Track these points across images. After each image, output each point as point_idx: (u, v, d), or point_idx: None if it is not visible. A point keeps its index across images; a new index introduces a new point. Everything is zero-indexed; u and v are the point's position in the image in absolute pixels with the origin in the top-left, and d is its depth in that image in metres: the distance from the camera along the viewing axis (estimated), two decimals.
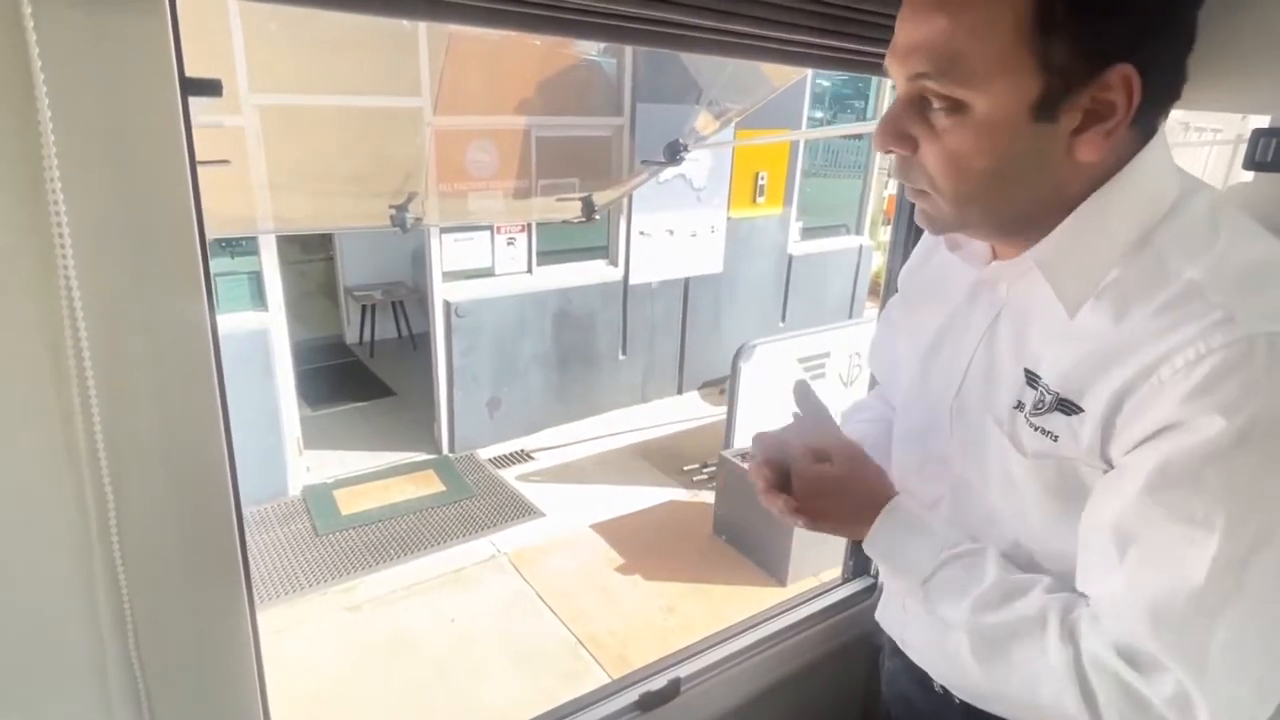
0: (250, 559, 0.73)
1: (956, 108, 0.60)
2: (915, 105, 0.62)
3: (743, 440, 4.38)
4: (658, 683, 1.08)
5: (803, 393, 0.85)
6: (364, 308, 6.38)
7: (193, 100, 0.58)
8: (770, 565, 3.85)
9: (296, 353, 4.56)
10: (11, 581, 0.60)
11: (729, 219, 5.68)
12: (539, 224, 5.04)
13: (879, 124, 0.65)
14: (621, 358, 5.61)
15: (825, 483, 0.77)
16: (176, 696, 0.68)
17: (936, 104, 0.61)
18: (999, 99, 0.58)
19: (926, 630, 0.77)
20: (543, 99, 4.83)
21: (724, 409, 5.01)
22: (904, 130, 0.64)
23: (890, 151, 0.66)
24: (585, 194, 4.34)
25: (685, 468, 4.90)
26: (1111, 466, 0.62)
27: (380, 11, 0.63)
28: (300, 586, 3.66)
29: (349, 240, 6.43)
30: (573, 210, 4.28)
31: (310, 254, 6.86)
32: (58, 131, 0.50)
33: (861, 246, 6.69)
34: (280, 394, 4.26)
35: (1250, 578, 0.55)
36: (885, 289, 1.34)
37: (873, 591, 1.35)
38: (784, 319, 6.35)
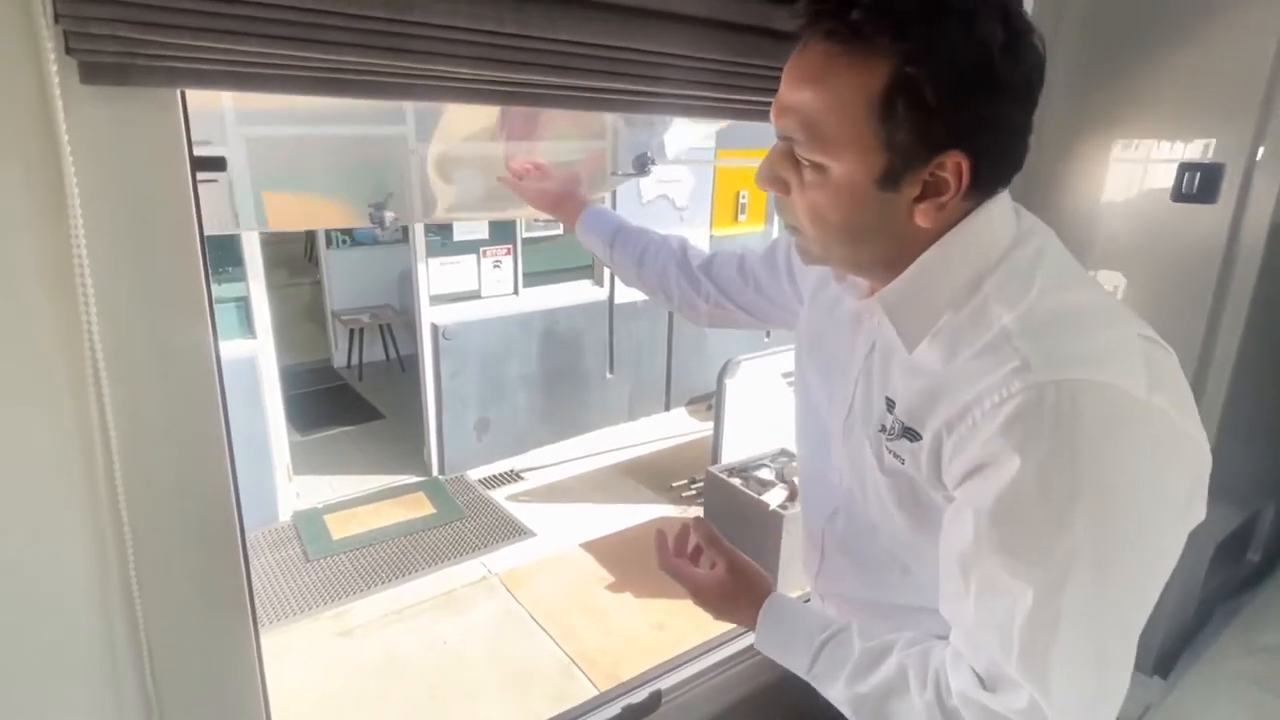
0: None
1: (817, 168, 0.66)
2: (789, 156, 0.69)
3: (730, 455, 4.44)
4: (639, 695, 1.12)
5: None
6: (351, 331, 6.41)
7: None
8: None
9: (285, 378, 4.58)
10: (34, 609, 0.65)
11: (712, 237, 5.77)
12: (525, 246, 5.11)
13: (760, 165, 0.72)
14: (609, 376, 5.66)
15: (706, 585, 0.92)
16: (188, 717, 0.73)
17: (805, 157, 0.67)
18: (849, 168, 0.65)
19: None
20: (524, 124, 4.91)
21: (711, 425, 5.07)
22: (779, 175, 0.70)
23: (767, 189, 0.73)
24: None
25: (674, 484, 4.94)
26: (947, 492, 0.68)
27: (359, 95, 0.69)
28: (292, 612, 3.67)
29: (336, 264, 6.47)
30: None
31: (297, 278, 6.90)
32: (85, 209, 0.56)
33: None
34: (269, 420, 4.28)
35: (1067, 600, 0.60)
36: None
37: None
38: (768, 334, 6.43)
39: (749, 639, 1.30)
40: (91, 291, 0.58)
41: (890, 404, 0.74)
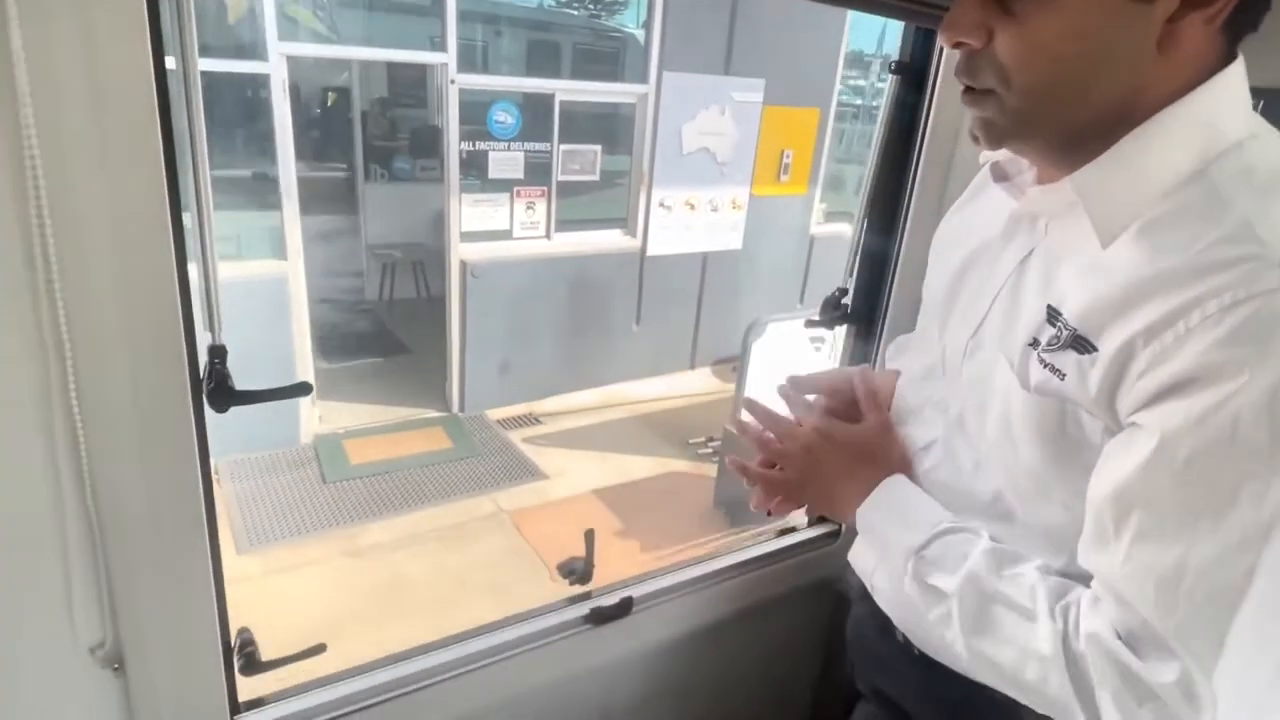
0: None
1: None
2: None
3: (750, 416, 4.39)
4: (610, 599, 1.10)
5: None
6: (384, 266, 6.46)
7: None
8: None
9: (316, 307, 4.64)
10: None
11: (752, 196, 5.64)
12: (560, 189, 5.05)
13: (947, 16, 0.61)
14: (635, 329, 5.62)
15: (844, 434, 0.80)
16: (132, 552, 0.72)
17: None
18: None
19: (895, 586, 0.76)
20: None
21: (734, 388, 5.02)
22: (978, 20, 0.59)
23: (959, 45, 0.61)
24: None
25: (690, 440, 4.92)
26: (1116, 421, 0.58)
27: None
28: (305, 530, 3.75)
29: (372, 198, 6.50)
30: None
31: (334, 212, 6.94)
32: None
33: None
34: (295, 341, 4.34)
35: (1269, 558, 0.50)
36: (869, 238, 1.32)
37: (836, 537, 1.36)
38: (802, 300, 6.31)
39: (726, 560, 1.27)
40: (35, 134, 0.55)
41: (1054, 312, 0.63)
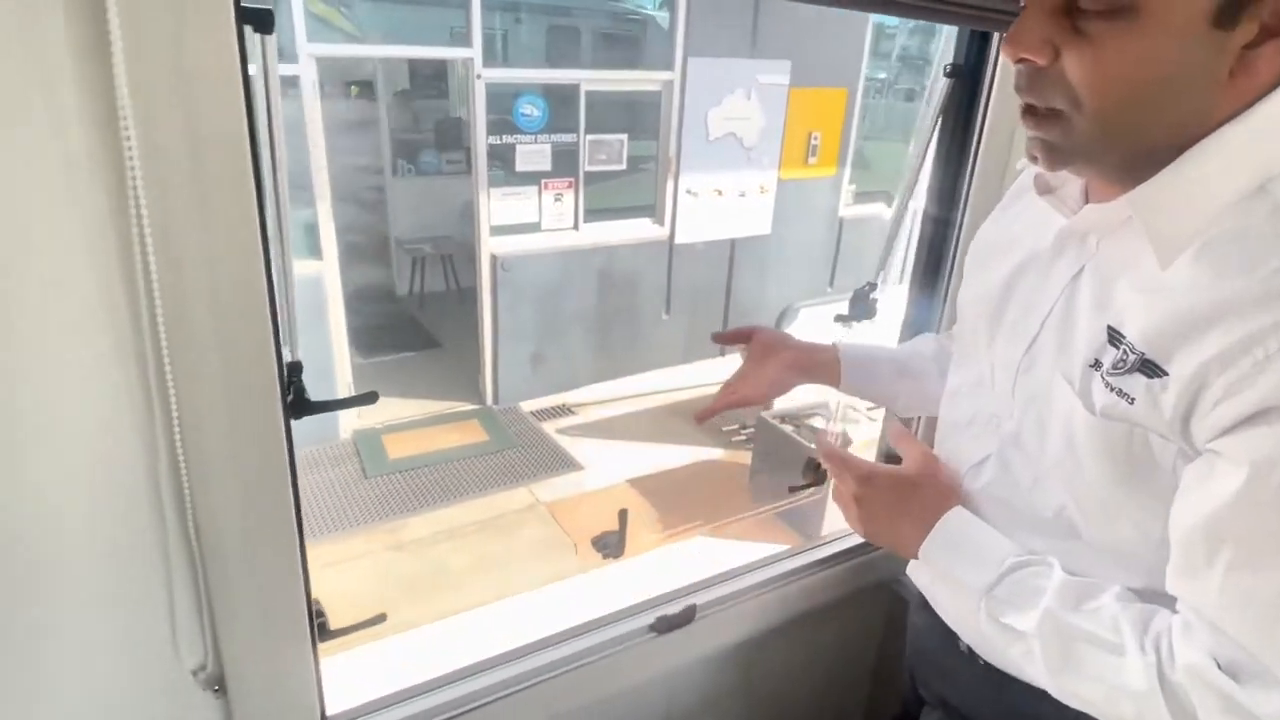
0: (301, 496, 0.79)
1: (1121, 8, 0.54)
2: (1061, 8, 0.57)
3: (782, 403, 4.39)
4: (674, 608, 1.12)
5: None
6: (414, 260, 6.51)
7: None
8: (803, 526, 3.88)
9: (348, 303, 4.71)
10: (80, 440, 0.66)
11: (779, 180, 5.59)
12: (587, 180, 5.05)
13: (1012, 30, 0.59)
14: (665, 317, 5.63)
15: (887, 478, 0.79)
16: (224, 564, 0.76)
17: (1093, 5, 0.55)
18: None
19: (968, 620, 0.75)
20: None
21: None
22: (1045, 36, 0.57)
23: (1023, 61, 0.60)
24: None
25: (724, 428, 4.92)
26: (1191, 445, 0.57)
27: None
28: (348, 525, 3.84)
29: (399, 192, 6.54)
30: None
31: (363, 207, 7.01)
32: (128, 55, 0.55)
33: (915, 210, 6.52)
34: (333, 339, 4.41)
35: None
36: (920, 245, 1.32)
37: None
38: (832, 283, 6.27)
39: (786, 565, 1.29)
40: (136, 147, 0.57)
41: (1115, 334, 0.62)
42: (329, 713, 0.92)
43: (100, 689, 0.76)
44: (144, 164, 0.58)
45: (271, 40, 0.66)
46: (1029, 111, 0.62)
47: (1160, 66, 0.55)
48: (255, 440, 0.73)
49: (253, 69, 0.65)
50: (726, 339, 1.03)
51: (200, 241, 0.63)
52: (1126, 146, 0.60)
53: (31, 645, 0.70)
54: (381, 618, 1.00)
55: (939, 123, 1.17)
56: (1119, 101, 0.57)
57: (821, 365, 1.01)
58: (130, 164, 0.58)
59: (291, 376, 0.81)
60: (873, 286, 1.31)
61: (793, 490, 3.81)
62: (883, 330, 1.35)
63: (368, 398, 0.98)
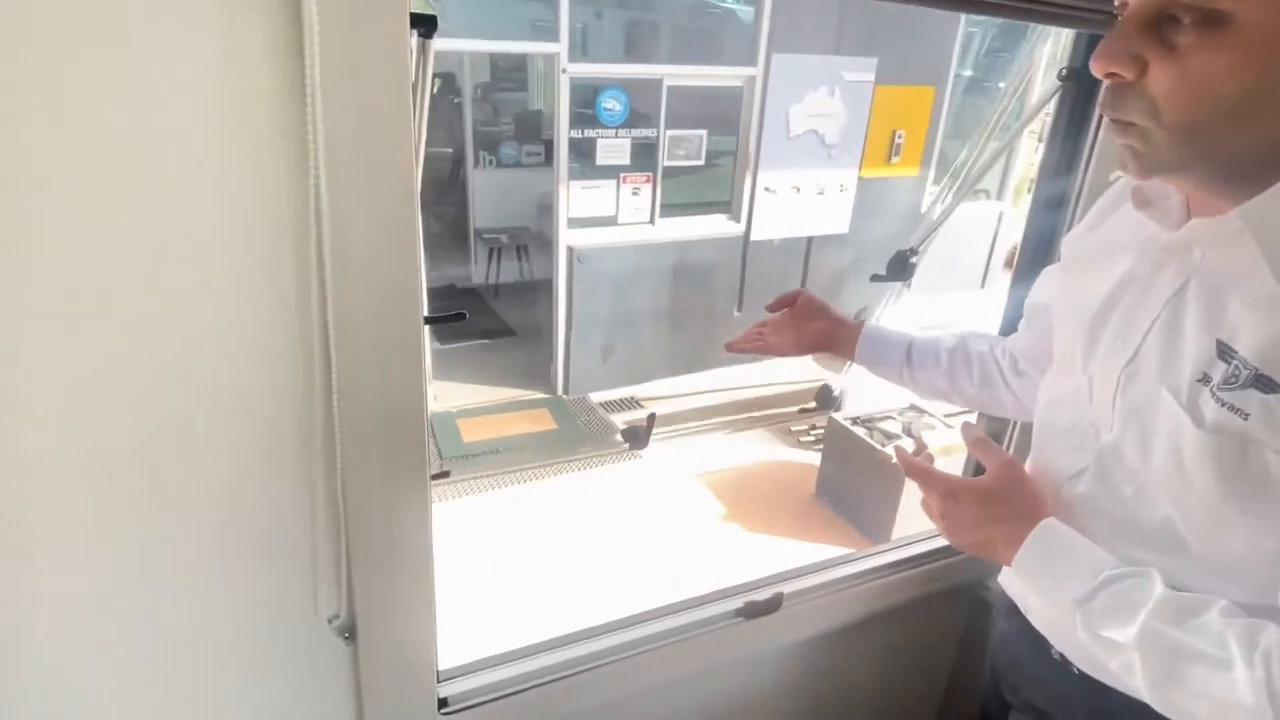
0: None
1: (1213, 20, 0.53)
2: (1152, 23, 0.56)
3: (853, 405, 4.34)
4: (762, 594, 1.15)
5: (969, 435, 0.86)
6: (490, 250, 6.67)
7: None
8: (871, 530, 3.84)
9: (428, 291, 4.85)
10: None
11: (860, 178, 5.50)
12: (664, 175, 5.08)
13: (1101, 45, 0.59)
14: (737, 314, 5.61)
15: (969, 491, 0.78)
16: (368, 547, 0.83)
17: (1186, 17, 0.55)
18: (1271, 8, 0.51)
19: (1066, 630, 0.75)
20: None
21: (837, 374, 4.96)
22: (1134, 51, 0.57)
23: (1111, 76, 0.60)
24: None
25: (793, 428, 4.90)
26: None
27: None
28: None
29: (480, 184, 6.71)
30: None
31: (443, 198, 7.21)
32: (321, 58, 0.62)
33: (1001, 213, 6.32)
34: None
35: None
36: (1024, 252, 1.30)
37: None
38: (910, 284, 6.13)
39: (870, 562, 1.31)
40: (322, 134, 0.64)
41: (1226, 348, 0.62)
42: (441, 667, 0.99)
43: (245, 631, 0.85)
44: (327, 152, 0.65)
45: (431, 44, 0.72)
46: (1113, 121, 0.63)
47: (1245, 80, 0.55)
48: (398, 408, 0.79)
49: None
50: (775, 305, 1.14)
51: (365, 219, 0.70)
52: (1210, 159, 0.60)
53: (175, 589, 0.78)
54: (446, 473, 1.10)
55: (1048, 127, 1.16)
56: (1200, 116, 0.57)
57: (845, 338, 1.09)
58: (314, 151, 0.65)
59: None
60: (913, 251, 1.32)
61: None
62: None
63: (457, 316, 1.09)
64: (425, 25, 0.70)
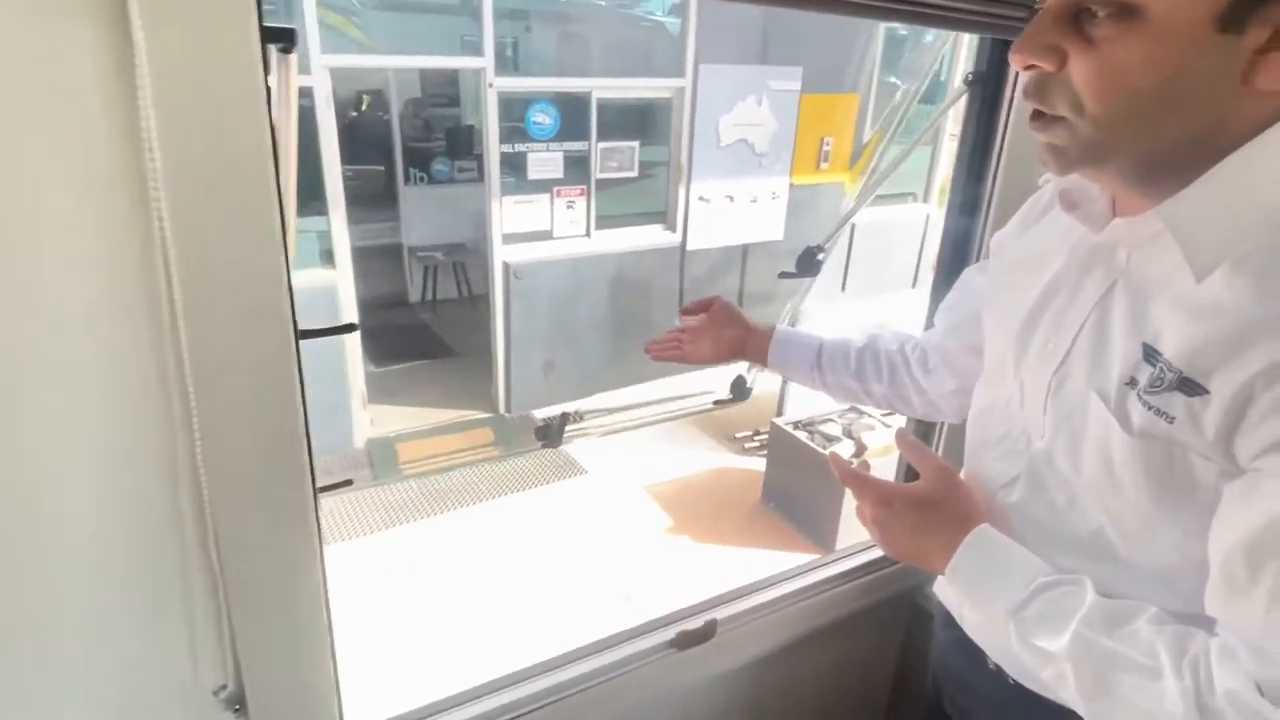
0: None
1: (1126, 13, 0.54)
2: (1069, 14, 0.57)
3: (796, 409, 4.36)
4: (694, 623, 1.11)
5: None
6: (426, 268, 6.53)
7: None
8: (817, 534, 3.85)
9: (361, 311, 4.72)
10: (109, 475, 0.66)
11: (791, 185, 5.57)
12: (598, 187, 5.05)
13: (1021, 38, 0.59)
14: (678, 324, 5.59)
15: (904, 498, 0.77)
16: (253, 592, 0.75)
17: (1100, 10, 0.55)
18: (1177, 3, 0.52)
19: (999, 642, 0.74)
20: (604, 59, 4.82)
21: (779, 378, 4.98)
22: (1052, 42, 0.58)
23: (1031, 67, 0.60)
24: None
25: (737, 435, 4.91)
26: (1234, 463, 0.57)
27: None
28: (360, 532, 3.85)
29: (412, 200, 6.57)
30: None
31: (375, 215, 7.04)
32: (153, 76, 0.55)
33: (928, 215, 6.49)
34: (347, 349, 4.42)
35: None
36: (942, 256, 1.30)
37: None
38: (844, 288, 6.23)
39: (807, 579, 1.28)
40: (160, 160, 0.57)
41: (1151, 351, 0.61)
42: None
43: (115, 713, 0.76)
44: (167, 179, 0.58)
45: (292, 59, 0.66)
46: (1037, 116, 0.62)
47: (1164, 71, 0.55)
48: (276, 442, 0.72)
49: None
50: (691, 310, 1.17)
51: (223, 253, 0.63)
52: (1132, 152, 0.60)
53: (39, 670, 0.70)
54: (349, 481, 1.01)
55: (961, 133, 1.16)
56: (1121, 108, 0.57)
57: (758, 345, 1.11)
58: (153, 178, 0.58)
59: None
60: (820, 249, 1.34)
61: None
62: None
63: (347, 328, 1.00)
64: (284, 40, 0.64)
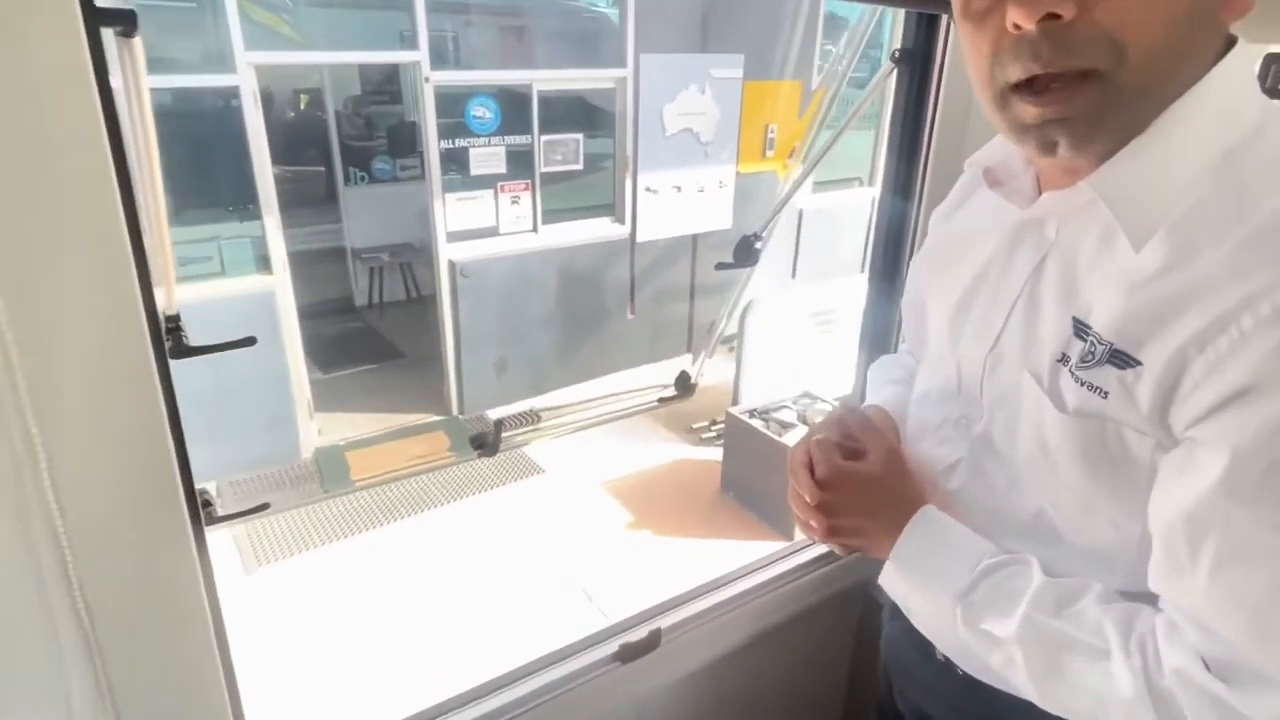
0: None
1: None
2: None
3: (751, 398, 4.36)
4: (638, 634, 1.06)
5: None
6: (371, 270, 6.37)
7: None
8: (777, 520, 3.86)
9: (306, 316, 4.56)
10: None
11: (738, 174, 5.56)
12: (543, 181, 4.96)
13: None
14: (630, 317, 5.56)
15: (851, 479, 0.74)
16: (127, 641, 0.67)
17: None
18: None
19: (945, 628, 0.71)
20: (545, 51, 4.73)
21: (730, 370, 4.98)
22: None
23: (1049, 18, 0.51)
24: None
25: (693, 426, 4.89)
26: (1170, 436, 0.55)
27: None
28: (310, 545, 3.72)
29: (354, 201, 6.39)
30: None
31: (316, 217, 6.84)
32: None
33: (874, 199, 6.56)
34: (289, 356, 4.27)
35: None
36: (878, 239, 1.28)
37: None
38: (794, 274, 6.26)
39: (755, 579, 1.25)
40: None
41: (1081, 325, 0.59)
42: None
43: None
44: None
45: (136, 44, 0.58)
46: (1041, 89, 0.54)
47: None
48: (143, 472, 0.64)
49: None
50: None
51: (53, 272, 0.55)
52: (1162, 102, 0.54)
53: None
54: (265, 505, 0.94)
55: (890, 112, 1.13)
56: (1171, 40, 0.51)
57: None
58: None
59: (170, 326, 0.72)
60: (756, 237, 1.32)
61: None
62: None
63: (245, 341, 0.91)
64: (121, 23, 0.56)
